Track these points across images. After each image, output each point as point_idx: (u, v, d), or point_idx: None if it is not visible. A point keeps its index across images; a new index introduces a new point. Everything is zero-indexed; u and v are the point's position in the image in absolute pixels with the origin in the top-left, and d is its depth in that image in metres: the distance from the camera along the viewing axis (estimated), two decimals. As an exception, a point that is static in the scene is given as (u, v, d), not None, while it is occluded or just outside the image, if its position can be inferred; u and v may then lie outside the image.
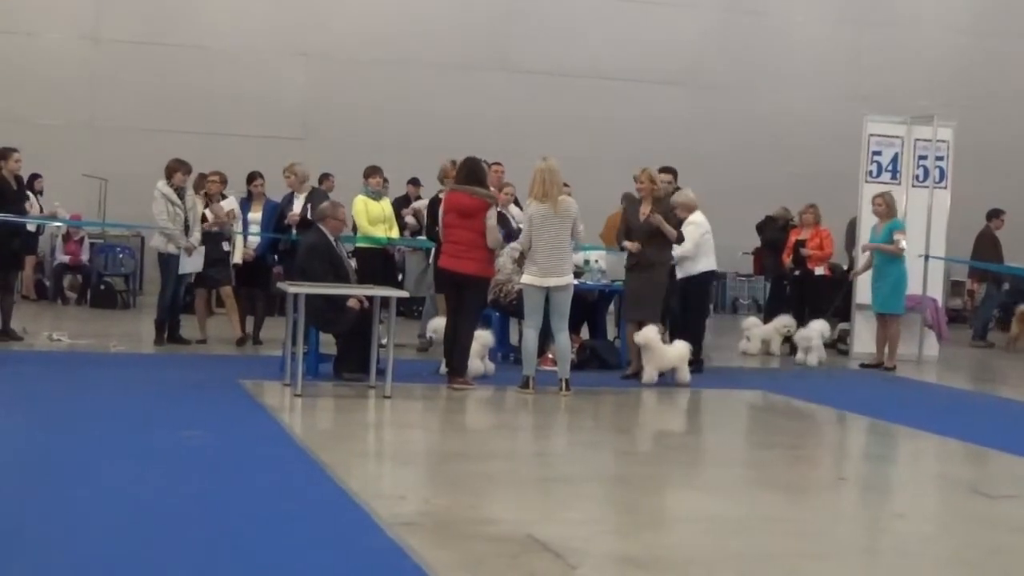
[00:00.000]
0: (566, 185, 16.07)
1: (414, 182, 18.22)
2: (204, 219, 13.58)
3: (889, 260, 14.05)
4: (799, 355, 14.46)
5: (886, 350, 14.16)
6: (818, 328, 14.42)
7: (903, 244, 14.05)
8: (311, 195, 13.89)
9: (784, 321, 14.95)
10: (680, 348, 11.84)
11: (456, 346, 10.99)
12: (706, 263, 12.81)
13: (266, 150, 18.82)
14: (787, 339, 14.99)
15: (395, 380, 10.34)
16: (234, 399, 10.05)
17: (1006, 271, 18.44)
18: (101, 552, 5.47)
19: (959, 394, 13.14)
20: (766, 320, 15.92)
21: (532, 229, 10.89)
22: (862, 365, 14.28)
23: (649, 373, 11.80)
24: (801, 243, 15.46)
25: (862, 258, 14.86)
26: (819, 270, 15.71)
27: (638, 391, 11.64)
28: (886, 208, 14.15)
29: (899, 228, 14.16)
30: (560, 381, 10.88)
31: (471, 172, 11.08)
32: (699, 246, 12.60)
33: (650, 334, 11.74)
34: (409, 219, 15.92)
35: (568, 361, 11.04)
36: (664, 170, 12.99)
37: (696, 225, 12.60)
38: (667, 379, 11.89)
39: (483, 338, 11.53)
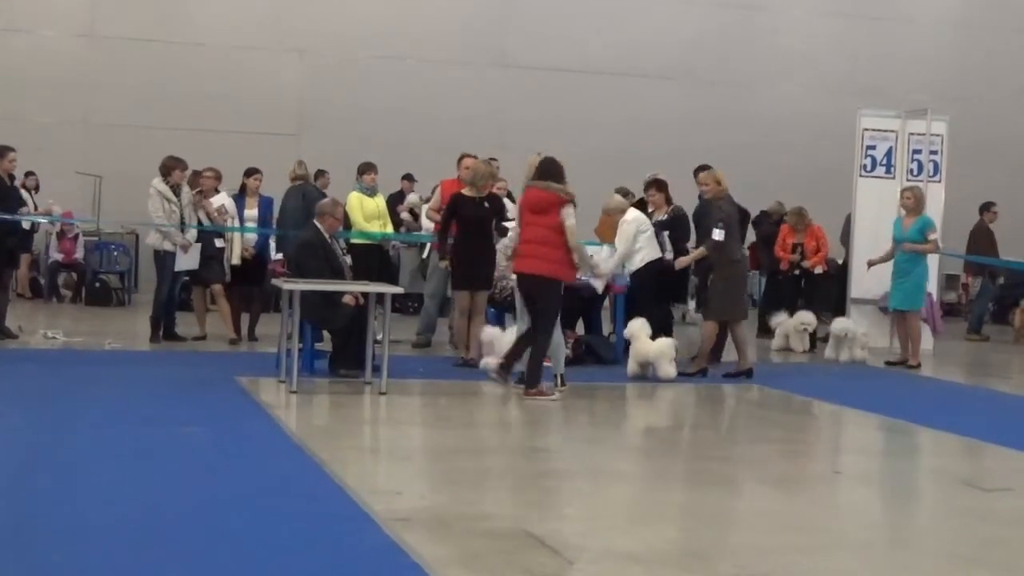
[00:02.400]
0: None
1: (408, 178, 18.22)
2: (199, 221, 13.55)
3: (912, 257, 13.84)
4: (828, 351, 14.27)
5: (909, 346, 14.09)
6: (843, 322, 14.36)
7: (940, 245, 14.05)
8: (304, 190, 13.93)
9: (804, 318, 14.94)
10: (661, 344, 11.87)
11: (530, 355, 10.43)
12: (648, 254, 12.97)
13: (261, 147, 18.80)
14: (824, 336, 15.02)
15: (390, 376, 10.35)
16: (230, 396, 10.06)
17: (1001, 265, 18.45)
18: (98, 549, 5.47)
19: (953, 388, 13.16)
20: (760, 316, 15.95)
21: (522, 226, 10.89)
22: (887, 363, 14.17)
23: (631, 366, 11.88)
24: (796, 246, 15.52)
25: (883, 250, 14.65)
26: (818, 268, 15.81)
27: (632, 387, 11.66)
28: (915, 203, 13.90)
29: (931, 226, 13.95)
30: (555, 377, 10.89)
31: (547, 168, 10.65)
32: (637, 240, 12.83)
33: (635, 327, 11.83)
34: (404, 215, 15.92)
35: (562, 357, 11.06)
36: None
37: (628, 222, 12.90)
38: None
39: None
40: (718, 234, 12.11)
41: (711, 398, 11.74)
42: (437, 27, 21.56)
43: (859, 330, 14.28)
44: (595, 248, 13.79)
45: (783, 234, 15.86)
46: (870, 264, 14.90)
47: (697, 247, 13.14)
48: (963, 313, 20.89)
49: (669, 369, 11.78)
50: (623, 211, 13.04)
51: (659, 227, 13.23)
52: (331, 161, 17.61)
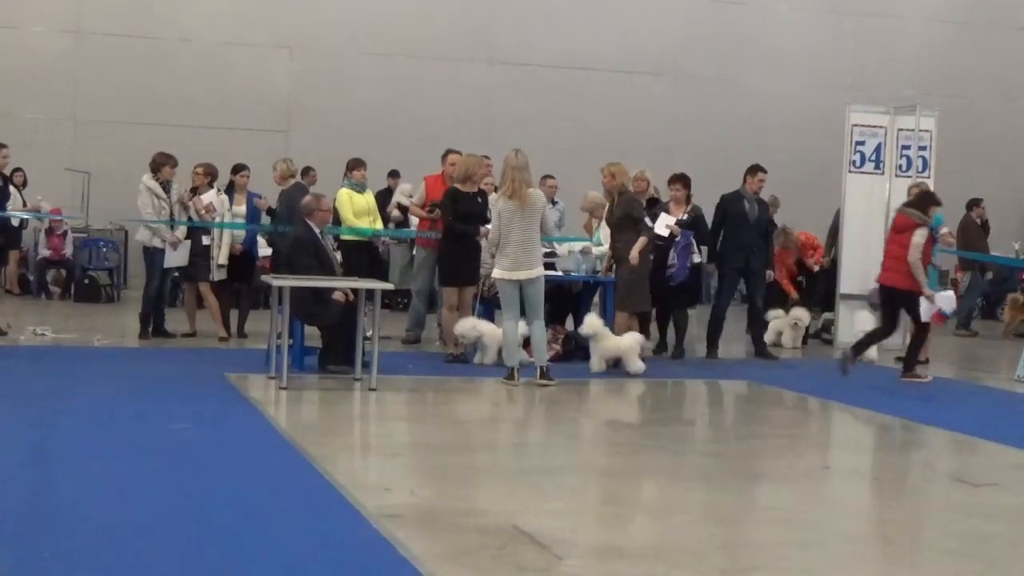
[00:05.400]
0: (551, 177, 16.26)
1: (394, 174, 18.19)
2: (186, 209, 13.51)
3: None
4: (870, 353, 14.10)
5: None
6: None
7: (951, 239, 14.04)
8: (285, 192, 13.91)
9: (797, 314, 14.95)
10: (629, 338, 11.91)
11: (910, 345, 12.61)
12: None
13: (250, 143, 18.80)
14: (814, 332, 15.03)
15: (380, 372, 10.36)
16: (219, 392, 10.05)
17: (990, 260, 18.48)
18: (88, 545, 5.47)
19: (942, 383, 13.16)
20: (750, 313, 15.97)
21: (501, 224, 10.96)
22: (897, 359, 14.19)
23: (596, 362, 11.93)
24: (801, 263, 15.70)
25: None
26: (816, 266, 15.92)
27: (620, 382, 11.67)
28: None
29: (941, 222, 13.94)
30: (537, 369, 10.93)
31: (923, 199, 12.44)
32: None
33: (596, 323, 11.87)
34: (395, 213, 15.90)
35: (544, 350, 11.12)
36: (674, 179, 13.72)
37: None
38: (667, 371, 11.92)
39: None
40: (662, 228, 12.62)
41: (700, 393, 11.77)
42: (426, 24, 21.53)
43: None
44: (583, 243, 13.82)
45: (781, 258, 15.71)
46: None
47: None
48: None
49: (638, 364, 11.84)
50: (601, 206, 13.24)
51: (682, 227, 13.26)
52: (319, 158, 17.58)
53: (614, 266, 12.61)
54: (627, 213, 12.31)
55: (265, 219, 14.29)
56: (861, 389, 11.84)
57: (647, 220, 12.65)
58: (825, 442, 9.87)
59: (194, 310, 13.94)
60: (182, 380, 10.52)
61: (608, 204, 12.80)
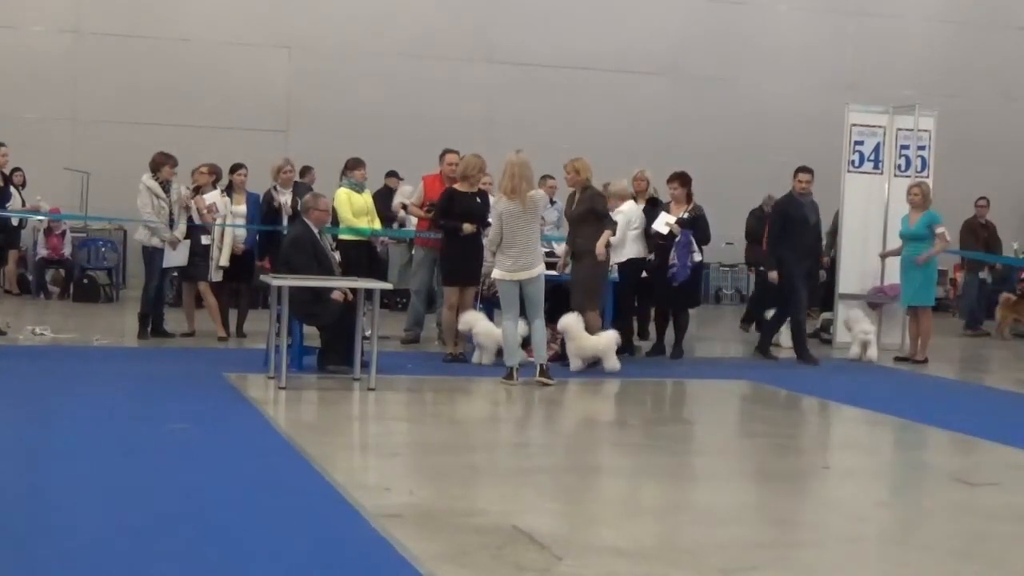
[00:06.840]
0: (551, 178, 16.26)
1: (393, 175, 18.18)
2: (187, 209, 13.52)
3: (919, 253, 13.85)
4: (854, 350, 14.03)
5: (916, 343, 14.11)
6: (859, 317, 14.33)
7: (948, 237, 14.05)
8: (295, 188, 14.04)
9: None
10: (605, 337, 11.91)
11: None
12: (632, 250, 13.06)
13: (249, 143, 18.76)
14: (812, 332, 15.08)
15: (379, 372, 10.35)
16: (219, 392, 10.04)
17: (989, 260, 18.47)
18: (87, 546, 5.46)
19: (945, 383, 13.18)
20: (748, 311, 15.92)
21: (503, 225, 10.94)
22: (896, 359, 14.22)
23: (573, 362, 11.90)
24: None
25: (892, 245, 14.73)
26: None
27: (618, 381, 11.66)
28: (922, 198, 13.90)
29: (939, 221, 13.94)
30: (537, 367, 10.93)
31: None
32: (624, 234, 12.90)
33: (570, 321, 11.85)
34: (401, 213, 15.91)
35: (544, 347, 11.12)
36: (673, 178, 13.60)
37: (623, 213, 12.97)
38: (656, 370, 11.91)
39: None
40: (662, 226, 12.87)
41: (700, 393, 11.76)
42: (425, 23, 21.52)
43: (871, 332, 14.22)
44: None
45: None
46: (882, 256, 14.95)
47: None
48: (951, 309, 20.95)
49: (615, 362, 11.87)
50: (623, 199, 13.15)
51: (682, 225, 13.22)
52: (318, 158, 17.56)
53: (570, 263, 12.52)
54: (591, 208, 12.24)
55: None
56: (860, 389, 11.85)
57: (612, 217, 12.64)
58: (825, 442, 9.86)
59: (193, 310, 13.94)
60: (181, 380, 10.51)
61: (568, 200, 12.74)
